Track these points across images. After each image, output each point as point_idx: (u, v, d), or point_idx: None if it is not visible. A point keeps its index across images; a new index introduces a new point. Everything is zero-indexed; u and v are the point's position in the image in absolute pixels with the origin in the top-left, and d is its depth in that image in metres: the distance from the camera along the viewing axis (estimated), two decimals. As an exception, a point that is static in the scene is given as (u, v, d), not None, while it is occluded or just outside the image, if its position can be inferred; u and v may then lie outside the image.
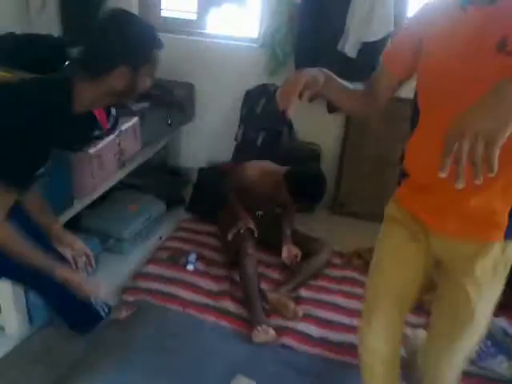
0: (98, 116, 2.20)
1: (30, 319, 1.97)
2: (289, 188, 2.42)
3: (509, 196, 1.13)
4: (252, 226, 2.43)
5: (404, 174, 1.33)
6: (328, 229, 2.84)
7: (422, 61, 1.18)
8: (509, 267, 1.23)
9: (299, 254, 2.42)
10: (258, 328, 2.00)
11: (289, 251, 2.43)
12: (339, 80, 1.35)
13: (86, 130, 1.98)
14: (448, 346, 1.33)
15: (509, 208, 1.14)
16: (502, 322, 2.03)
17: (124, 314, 2.05)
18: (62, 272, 1.51)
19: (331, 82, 1.30)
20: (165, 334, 1.99)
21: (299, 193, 2.41)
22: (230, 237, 2.40)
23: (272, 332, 2.01)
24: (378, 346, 1.39)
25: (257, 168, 2.60)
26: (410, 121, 1.34)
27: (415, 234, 1.30)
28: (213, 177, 3.05)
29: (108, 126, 2.25)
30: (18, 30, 2.56)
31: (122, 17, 1.41)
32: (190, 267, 2.42)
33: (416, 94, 1.27)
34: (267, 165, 2.65)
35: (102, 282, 1.69)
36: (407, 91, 1.40)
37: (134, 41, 1.36)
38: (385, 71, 1.33)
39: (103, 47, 1.36)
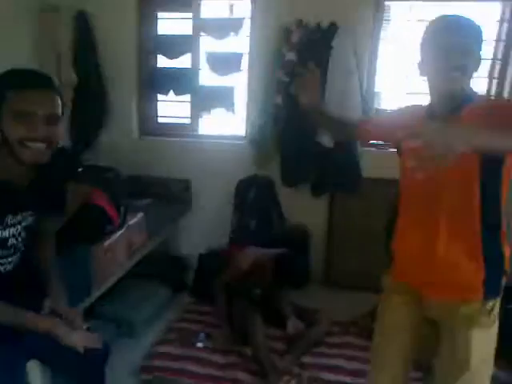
0: (109, 213, 2.48)
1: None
2: (278, 270, 2.80)
3: (480, 266, 1.38)
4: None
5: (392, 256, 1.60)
6: (322, 301, 3.04)
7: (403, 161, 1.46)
8: (494, 320, 1.43)
9: (303, 326, 2.62)
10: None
11: (294, 326, 2.62)
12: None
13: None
14: None
15: (483, 276, 1.38)
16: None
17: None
18: (43, 323, 1.45)
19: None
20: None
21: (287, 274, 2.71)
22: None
23: None
24: None
25: (248, 259, 2.89)
26: (394, 207, 1.61)
27: (409, 300, 1.53)
28: (212, 261, 3.29)
29: (118, 221, 2.52)
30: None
31: None
32: (200, 345, 2.59)
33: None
34: (257, 253, 2.94)
35: (84, 332, 1.57)
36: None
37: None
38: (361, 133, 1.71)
39: None
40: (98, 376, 1.72)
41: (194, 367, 2.41)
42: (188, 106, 3.72)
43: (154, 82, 3.67)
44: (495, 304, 1.43)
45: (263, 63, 3.37)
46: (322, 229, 3.48)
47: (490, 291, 1.40)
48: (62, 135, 1.31)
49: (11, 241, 1.47)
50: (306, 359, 2.50)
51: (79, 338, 1.49)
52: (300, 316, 2.70)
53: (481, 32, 1.36)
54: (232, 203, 3.42)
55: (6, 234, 1.44)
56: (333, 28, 3.16)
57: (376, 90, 3.41)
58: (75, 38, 3.41)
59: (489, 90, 3.22)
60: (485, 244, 1.37)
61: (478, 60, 1.37)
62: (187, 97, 3.69)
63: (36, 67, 3.10)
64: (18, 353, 1.48)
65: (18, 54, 3.04)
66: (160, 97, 3.75)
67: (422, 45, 1.41)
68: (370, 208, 3.31)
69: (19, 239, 1.51)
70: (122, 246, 2.62)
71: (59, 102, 1.40)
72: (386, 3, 3.24)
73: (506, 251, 1.41)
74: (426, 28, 1.40)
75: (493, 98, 1.78)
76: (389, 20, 3.29)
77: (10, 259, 1.50)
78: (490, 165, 1.30)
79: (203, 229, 3.62)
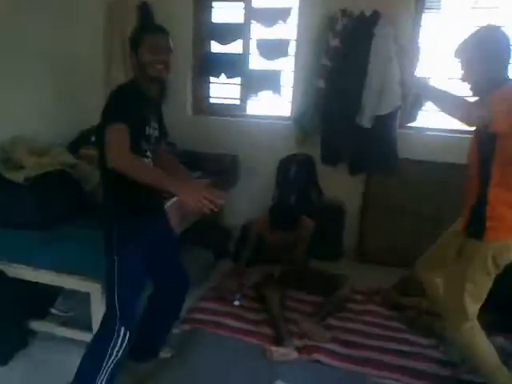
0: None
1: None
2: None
3: None
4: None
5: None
6: (352, 274, 3.24)
7: None
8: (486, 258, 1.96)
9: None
10: (273, 348, 2.45)
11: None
12: None
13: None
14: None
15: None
16: (500, 340, 2.42)
17: (168, 354, 2.45)
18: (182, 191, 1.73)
19: None
20: (219, 356, 2.48)
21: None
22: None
23: (294, 354, 2.45)
24: None
25: (261, 221, 3.20)
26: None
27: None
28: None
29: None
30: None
31: None
32: (236, 303, 2.94)
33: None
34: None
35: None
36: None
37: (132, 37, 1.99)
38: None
39: None
40: (181, 300, 2.30)
41: (230, 322, 2.76)
42: (238, 88, 4.02)
43: (208, 66, 3.98)
44: None
45: (309, 49, 3.60)
46: (358, 206, 3.70)
47: None
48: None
49: (151, 137, 2.02)
50: (331, 322, 2.79)
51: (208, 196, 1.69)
52: (325, 281, 3.00)
53: None
54: (275, 178, 3.70)
55: (149, 131, 2.00)
56: (375, 16, 3.32)
57: (417, 75, 3.52)
58: (139, 26, 3.78)
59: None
60: None
61: None
62: (237, 79, 3.99)
63: (104, 52, 3.50)
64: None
65: (89, 39, 3.42)
66: (212, 79, 4.07)
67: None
68: (405, 188, 3.49)
69: (154, 137, 2.05)
70: (175, 211, 2.95)
71: (171, 41, 1.99)
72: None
73: None
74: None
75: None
76: (432, 9, 3.40)
77: (149, 152, 2.02)
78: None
79: (248, 202, 3.92)
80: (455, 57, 1.99)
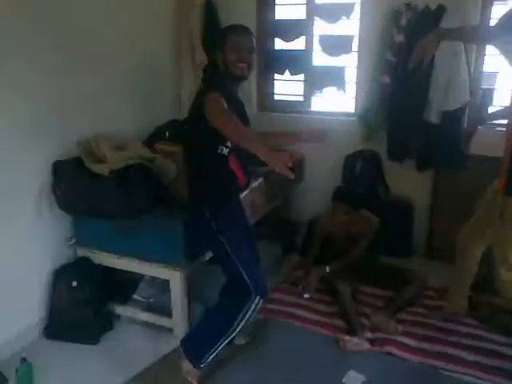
0: (238, 175, 2.89)
1: (191, 325, 2.61)
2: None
3: None
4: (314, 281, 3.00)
5: None
6: (423, 270, 3.21)
7: None
8: None
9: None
10: (346, 337, 2.50)
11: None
12: None
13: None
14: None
15: None
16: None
17: (243, 341, 2.53)
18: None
19: None
20: (292, 344, 2.55)
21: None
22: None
23: (367, 345, 2.49)
24: None
25: (326, 214, 3.25)
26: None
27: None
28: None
29: (244, 182, 2.93)
30: (176, 116, 3.47)
31: None
32: (307, 295, 2.98)
33: None
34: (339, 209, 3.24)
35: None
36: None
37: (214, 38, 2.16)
38: None
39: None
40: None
41: (301, 312, 2.82)
42: (302, 85, 4.05)
43: (272, 63, 4.05)
44: None
45: (372, 45, 3.58)
46: (426, 202, 3.65)
47: None
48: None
49: None
50: (402, 316, 2.79)
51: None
52: (396, 275, 3.01)
53: None
54: (341, 175, 3.71)
55: None
56: (441, 10, 3.26)
57: (485, 70, 3.46)
58: (205, 23, 3.90)
59: None
60: None
61: None
62: (301, 76, 4.02)
63: (174, 48, 3.64)
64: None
65: (161, 38, 3.55)
66: (277, 76, 4.13)
67: None
68: (474, 184, 3.40)
69: None
70: (245, 204, 3.04)
71: (254, 41, 2.14)
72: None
73: None
74: None
75: None
76: (501, 0, 3.32)
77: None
78: None
79: (314, 198, 3.94)
80: None
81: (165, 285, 2.61)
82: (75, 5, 2.71)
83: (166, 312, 2.58)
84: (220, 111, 1.92)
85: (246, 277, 2.08)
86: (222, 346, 2.13)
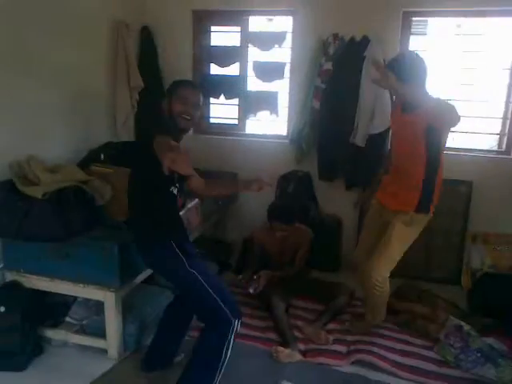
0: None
1: (125, 346, 2.61)
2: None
3: (416, 191, 2.50)
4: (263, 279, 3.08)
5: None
6: (350, 283, 3.37)
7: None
8: (417, 226, 2.58)
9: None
10: (279, 348, 2.60)
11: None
12: None
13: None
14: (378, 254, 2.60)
15: (418, 197, 2.51)
16: (490, 340, 2.57)
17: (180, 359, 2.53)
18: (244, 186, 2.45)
19: None
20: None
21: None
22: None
23: (299, 356, 2.60)
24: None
25: (260, 229, 3.38)
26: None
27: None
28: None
29: (181, 202, 3.00)
30: (110, 139, 3.49)
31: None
32: (251, 290, 3.05)
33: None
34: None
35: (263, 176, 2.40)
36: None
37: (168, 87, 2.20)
38: None
39: None
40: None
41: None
42: (236, 109, 4.20)
43: (207, 87, 4.15)
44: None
45: (303, 71, 3.81)
46: (354, 218, 3.86)
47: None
48: (202, 117, 2.25)
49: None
50: (331, 326, 2.94)
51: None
52: (325, 289, 3.17)
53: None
54: (274, 195, 3.85)
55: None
56: (365, 40, 3.55)
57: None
58: (140, 48, 3.98)
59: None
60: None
61: None
62: (236, 100, 4.18)
63: (112, 72, 3.66)
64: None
65: (96, 62, 3.56)
66: (212, 100, 4.26)
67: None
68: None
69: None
70: (195, 211, 3.19)
71: (201, 96, 2.20)
72: (414, 18, 3.61)
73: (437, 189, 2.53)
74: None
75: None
76: (418, 34, 3.66)
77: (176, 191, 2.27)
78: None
79: (248, 218, 4.06)
80: None
81: (98, 306, 2.60)
82: (15, 29, 2.70)
83: (100, 333, 2.56)
84: (186, 165, 1.87)
85: (221, 303, 2.06)
86: (220, 376, 2.09)
